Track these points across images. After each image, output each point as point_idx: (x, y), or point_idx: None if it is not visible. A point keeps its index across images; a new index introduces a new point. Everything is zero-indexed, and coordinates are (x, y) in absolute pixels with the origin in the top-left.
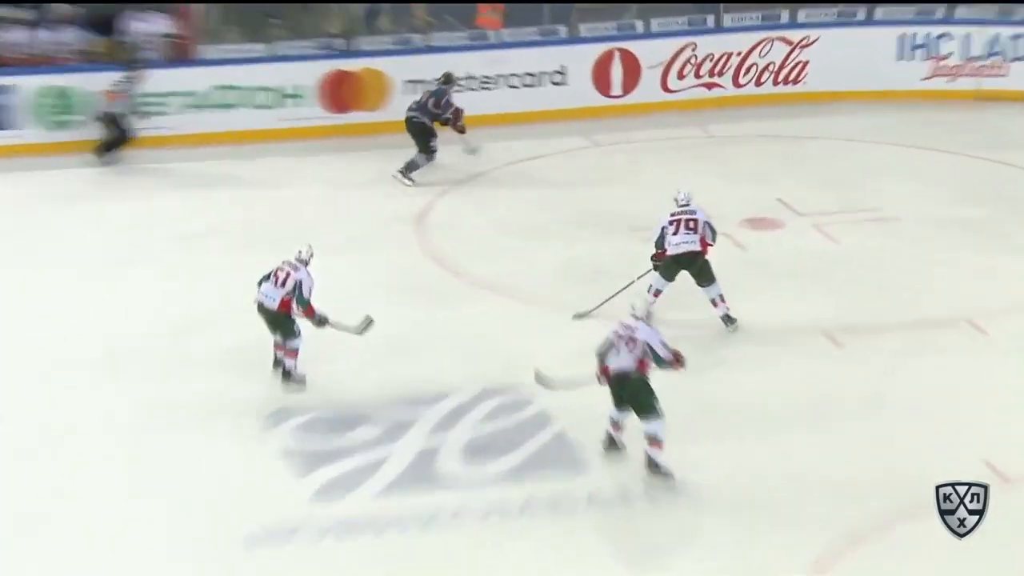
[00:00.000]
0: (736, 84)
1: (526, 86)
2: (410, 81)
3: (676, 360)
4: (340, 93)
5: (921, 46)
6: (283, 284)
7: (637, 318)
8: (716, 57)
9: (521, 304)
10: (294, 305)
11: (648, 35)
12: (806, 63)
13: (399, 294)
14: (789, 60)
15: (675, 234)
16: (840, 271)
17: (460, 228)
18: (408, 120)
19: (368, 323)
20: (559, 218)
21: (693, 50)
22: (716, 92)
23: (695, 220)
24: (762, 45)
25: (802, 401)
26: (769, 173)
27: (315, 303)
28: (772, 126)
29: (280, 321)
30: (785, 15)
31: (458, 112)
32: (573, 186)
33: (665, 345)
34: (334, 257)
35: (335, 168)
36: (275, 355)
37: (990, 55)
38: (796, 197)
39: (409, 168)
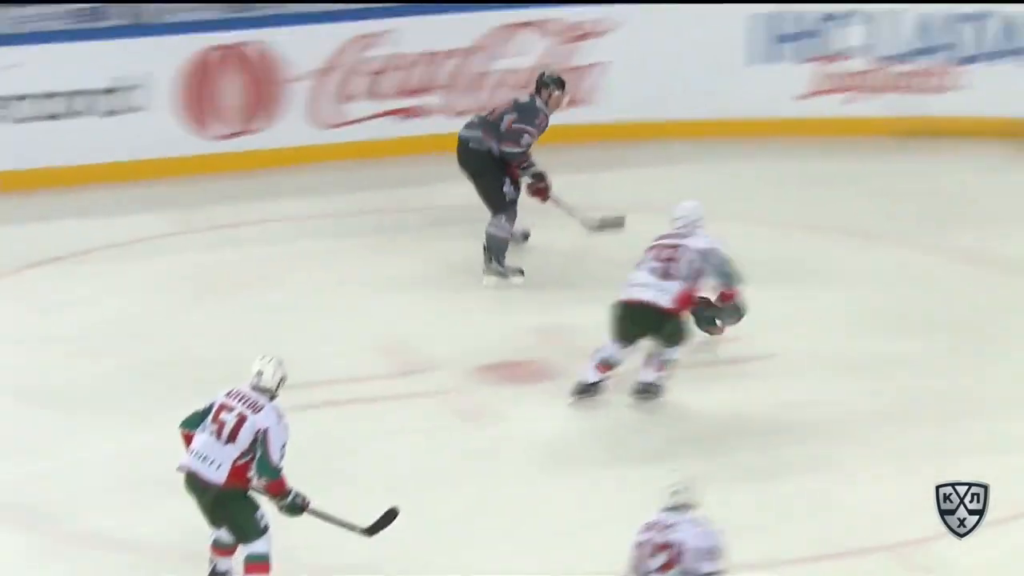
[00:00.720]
0: (454, 110)
1: (72, 115)
2: None
3: None
4: None
5: (794, 36)
6: (233, 438)
7: (676, 508)
8: (413, 58)
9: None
10: (253, 474)
11: (283, 19)
12: (593, 70)
13: None
14: (562, 63)
15: (639, 266)
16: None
17: None
18: (461, 145)
19: (390, 516)
20: (143, 381)
21: (366, 48)
22: (414, 127)
23: (676, 249)
24: (502, 34)
25: None
26: (533, 285)
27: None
28: None
29: (229, 504)
30: None
31: (528, 167)
32: (166, 317)
33: (716, 555)
34: None
35: None
36: (212, 566)
37: (921, 53)
38: (579, 326)
39: (492, 253)
